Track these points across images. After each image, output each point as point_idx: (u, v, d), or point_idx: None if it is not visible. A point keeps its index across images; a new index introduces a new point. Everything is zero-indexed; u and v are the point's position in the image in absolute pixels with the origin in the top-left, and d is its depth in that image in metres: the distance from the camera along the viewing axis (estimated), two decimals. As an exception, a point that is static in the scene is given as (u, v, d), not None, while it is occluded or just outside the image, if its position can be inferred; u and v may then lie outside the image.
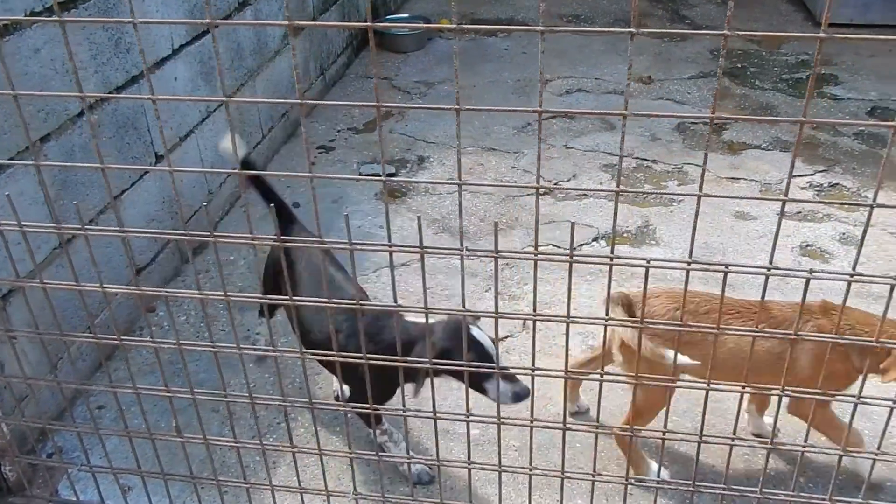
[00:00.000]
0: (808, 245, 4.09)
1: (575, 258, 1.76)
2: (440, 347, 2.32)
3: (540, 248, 3.92)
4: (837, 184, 4.66)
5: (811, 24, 7.06)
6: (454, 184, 1.62)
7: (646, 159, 4.91)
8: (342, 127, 5.43)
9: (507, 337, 3.43)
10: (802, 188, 4.63)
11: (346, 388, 3.04)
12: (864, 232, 1.60)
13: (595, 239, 4.13)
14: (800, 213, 4.39)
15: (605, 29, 1.35)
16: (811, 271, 1.68)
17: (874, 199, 1.52)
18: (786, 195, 1.54)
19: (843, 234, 4.18)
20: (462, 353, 1.92)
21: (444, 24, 6.95)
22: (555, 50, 6.49)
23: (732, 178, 4.71)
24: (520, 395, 2.27)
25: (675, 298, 2.45)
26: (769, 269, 1.68)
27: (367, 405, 1.98)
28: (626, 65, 6.22)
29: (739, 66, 6.31)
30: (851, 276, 1.72)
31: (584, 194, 4.52)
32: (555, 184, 4.62)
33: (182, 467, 2.41)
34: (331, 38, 5.99)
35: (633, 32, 1.41)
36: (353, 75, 6.27)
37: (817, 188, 4.63)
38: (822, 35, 1.37)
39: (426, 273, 1.77)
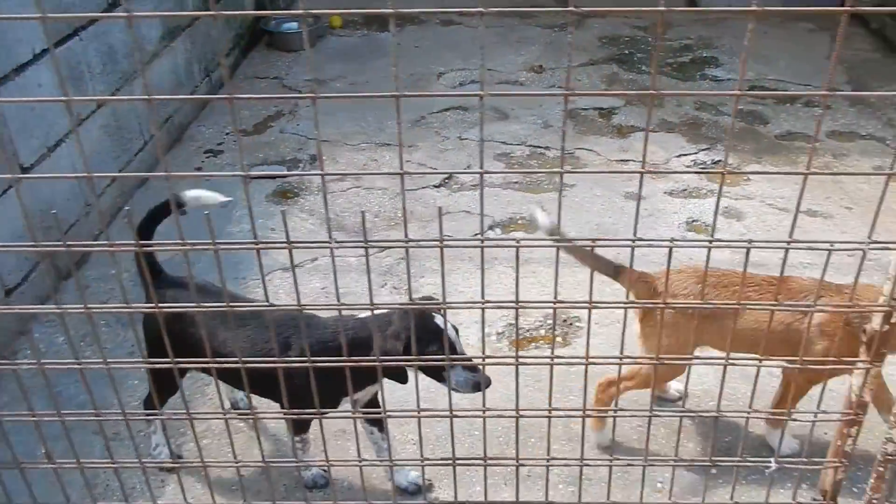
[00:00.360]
0: (693, 220, 4.20)
1: (446, 243, 1.73)
2: (406, 339, 2.23)
3: (414, 240, 3.89)
4: (720, 160, 4.81)
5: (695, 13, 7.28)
6: (397, 174, 1.56)
7: (539, 146, 4.95)
8: (231, 130, 5.27)
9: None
10: (687, 166, 4.76)
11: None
12: (718, 201, 1.62)
13: (491, 227, 4.14)
14: (685, 190, 4.51)
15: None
16: (672, 240, 1.70)
17: (724, 167, 1.54)
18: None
19: (726, 207, 4.30)
20: (426, 343, 1.86)
21: (335, 23, 6.86)
22: (447, 43, 6.48)
23: (622, 161, 4.80)
24: (479, 385, 2.18)
25: (697, 273, 2.55)
26: (634, 242, 1.69)
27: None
28: (517, 55, 6.30)
29: (627, 52, 6.45)
30: (710, 242, 1.74)
31: (478, 184, 4.51)
32: (449, 175, 4.60)
33: (61, 496, 2.27)
34: (216, 39, 5.81)
35: (482, 12, 1.38)
36: (242, 76, 6.10)
37: (701, 165, 4.76)
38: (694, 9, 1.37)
39: (320, 273, 1.71)
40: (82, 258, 3.92)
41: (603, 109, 5.43)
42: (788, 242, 1.69)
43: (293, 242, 1.73)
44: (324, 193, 1.62)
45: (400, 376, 2.28)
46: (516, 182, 4.53)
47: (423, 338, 2.06)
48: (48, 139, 3.69)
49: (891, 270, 1.84)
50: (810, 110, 5.45)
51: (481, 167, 1.54)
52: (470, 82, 5.86)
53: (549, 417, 2.04)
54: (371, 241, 1.68)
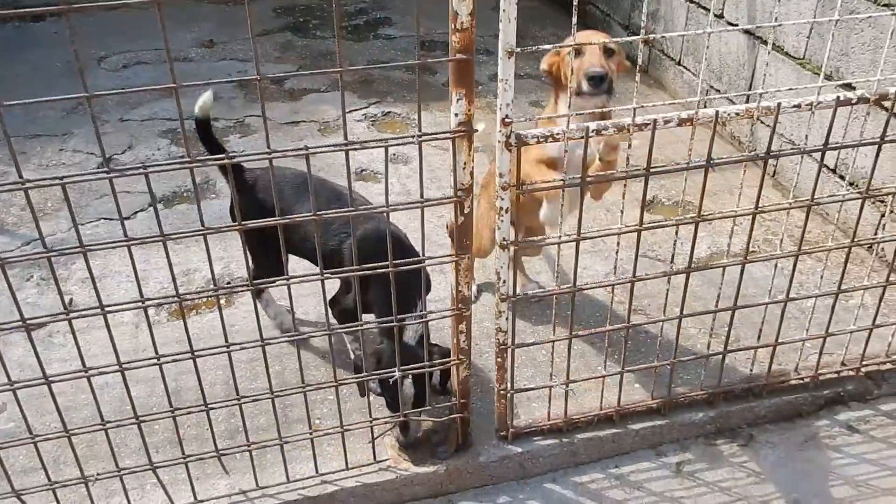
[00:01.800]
0: (363, 170, 4.34)
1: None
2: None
3: (91, 224, 3.74)
4: (389, 112, 5.01)
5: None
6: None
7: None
8: None
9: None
10: (358, 120, 4.91)
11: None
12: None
13: (150, 204, 4.00)
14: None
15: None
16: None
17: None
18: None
19: (394, 154, 4.50)
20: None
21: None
22: (110, 28, 6.14)
23: (293, 123, 4.85)
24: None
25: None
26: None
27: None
28: (188, 33, 6.12)
29: (302, 20, 6.51)
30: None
31: (141, 164, 4.33)
32: (109, 157, 4.38)
33: None
34: None
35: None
36: None
37: (372, 118, 4.94)
38: None
39: None
40: None
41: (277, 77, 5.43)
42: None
43: None
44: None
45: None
46: (181, 156, 4.42)
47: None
48: None
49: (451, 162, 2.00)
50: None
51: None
52: (135, 63, 5.61)
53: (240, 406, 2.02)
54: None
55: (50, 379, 1.97)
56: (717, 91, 4.69)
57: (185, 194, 4.10)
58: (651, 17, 5.29)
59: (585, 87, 2.38)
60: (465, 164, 1.99)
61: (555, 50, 2.47)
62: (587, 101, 2.41)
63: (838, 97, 2.20)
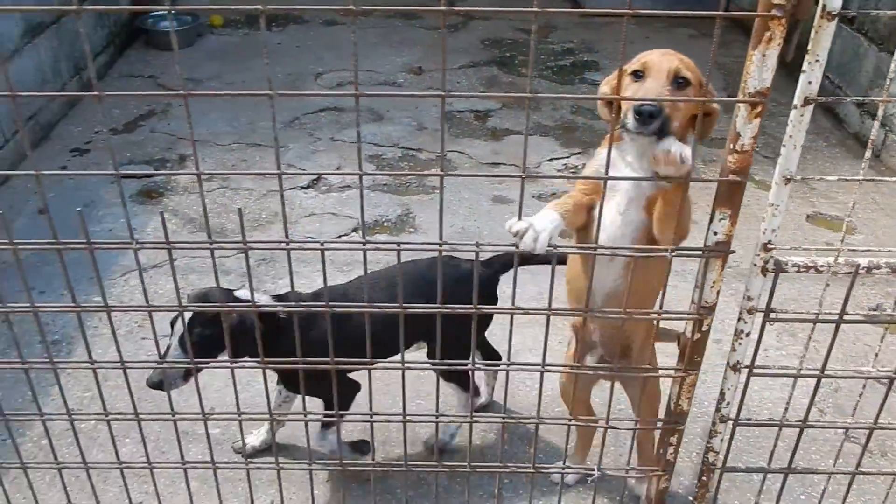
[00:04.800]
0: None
1: (326, 246, 1.74)
2: None
3: (296, 242, 3.87)
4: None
5: (579, 16, 7.47)
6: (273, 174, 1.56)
7: (411, 148, 4.99)
8: (100, 128, 5.13)
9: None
10: (559, 170, 4.88)
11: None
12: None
13: (354, 230, 4.15)
14: (554, 194, 4.62)
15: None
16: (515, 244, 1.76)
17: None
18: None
19: (590, 209, 4.43)
20: None
21: (215, 21, 6.75)
22: (326, 43, 6.46)
23: (494, 164, 4.89)
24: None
25: None
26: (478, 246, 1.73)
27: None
28: (398, 56, 6.33)
29: (508, 55, 6.57)
30: (557, 248, 1.81)
31: (348, 186, 4.53)
32: (318, 176, 4.59)
33: None
34: (86, 37, 5.63)
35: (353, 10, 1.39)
36: (116, 74, 5.94)
37: (572, 169, 4.89)
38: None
39: (179, 273, 1.69)
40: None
41: (479, 112, 5.51)
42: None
43: (173, 243, 1.72)
44: (201, 193, 1.61)
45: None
46: (385, 184, 4.56)
47: None
48: None
49: (698, 277, 1.94)
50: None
51: (360, 168, 1.56)
52: (348, 83, 5.86)
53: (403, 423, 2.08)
54: (250, 243, 1.69)
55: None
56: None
57: (385, 224, 4.22)
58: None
59: (630, 122, 1.90)
60: (713, 283, 1.91)
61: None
62: (633, 143, 2.01)
63: None
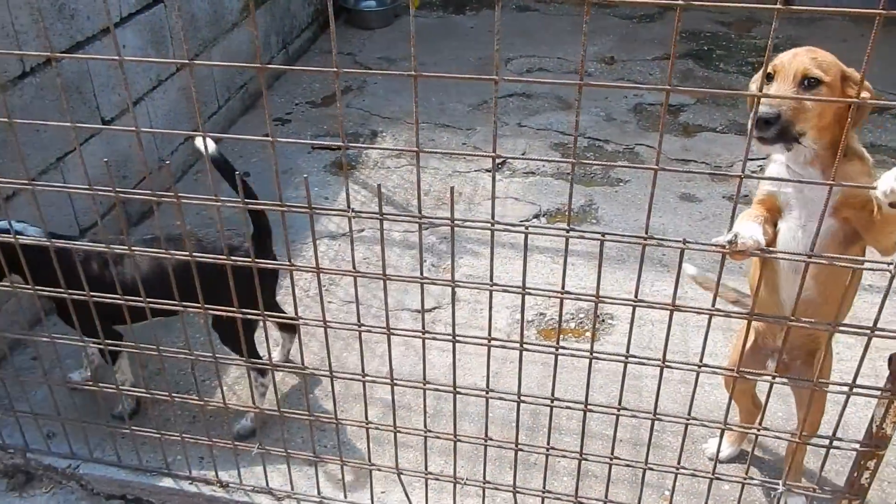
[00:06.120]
0: (748, 226, 4.10)
1: (530, 230, 1.82)
2: None
3: (501, 224, 3.92)
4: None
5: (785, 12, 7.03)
6: (412, 151, 1.66)
7: (598, 139, 4.91)
8: (300, 101, 5.43)
9: (434, 308, 3.46)
10: (753, 171, 4.63)
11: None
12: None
13: (536, 216, 4.15)
14: (745, 196, 4.39)
15: None
16: (685, 241, 1.71)
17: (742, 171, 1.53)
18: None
19: (785, 216, 4.18)
20: None
21: (413, 3, 6.93)
22: (518, 29, 6.47)
23: (683, 160, 4.72)
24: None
25: None
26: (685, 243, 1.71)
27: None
28: (590, 45, 6.22)
29: (706, 48, 6.30)
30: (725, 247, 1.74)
31: (532, 172, 4.53)
32: (503, 160, 4.62)
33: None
34: (294, 13, 5.98)
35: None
36: (318, 50, 6.25)
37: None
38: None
39: (364, 244, 1.80)
40: (149, 209, 4.12)
41: (671, 106, 5.33)
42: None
43: (385, 215, 1.84)
44: (417, 171, 1.72)
45: None
46: (568, 172, 4.52)
47: None
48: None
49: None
50: None
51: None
52: (538, 69, 5.84)
53: (551, 406, 2.08)
54: (457, 220, 1.79)
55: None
56: None
57: (566, 213, 4.18)
58: None
59: (753, 129, 1.82)
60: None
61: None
62: (792, 152, 1.92)
63: None
